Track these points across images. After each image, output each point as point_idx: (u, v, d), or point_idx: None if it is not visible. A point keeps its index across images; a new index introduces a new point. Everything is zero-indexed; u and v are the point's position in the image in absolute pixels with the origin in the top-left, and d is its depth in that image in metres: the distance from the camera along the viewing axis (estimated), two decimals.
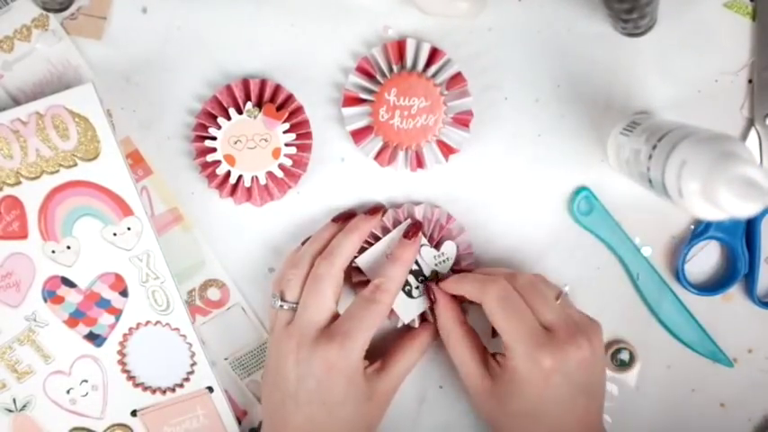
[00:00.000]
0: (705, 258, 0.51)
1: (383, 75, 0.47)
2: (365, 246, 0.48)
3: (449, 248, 0.48)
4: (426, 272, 0.48)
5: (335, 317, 0.45)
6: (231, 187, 0.48)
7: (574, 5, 0.48)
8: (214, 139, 0.47)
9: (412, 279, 0.48)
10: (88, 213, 0.48)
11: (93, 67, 0.49)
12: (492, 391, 0.44)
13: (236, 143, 0.47)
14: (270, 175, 0.48)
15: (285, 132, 0.47)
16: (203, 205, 0.50)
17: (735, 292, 0.51)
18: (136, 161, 0.49)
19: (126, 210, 0.48)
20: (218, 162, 0.48)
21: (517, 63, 0.49)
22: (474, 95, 0.48)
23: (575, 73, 0.49)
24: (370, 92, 0.47)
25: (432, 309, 0.48)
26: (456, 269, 0.49)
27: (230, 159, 0.48)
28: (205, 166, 0.48)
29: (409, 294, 0.48)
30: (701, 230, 0.50)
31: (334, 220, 0.49)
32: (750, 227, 0.49)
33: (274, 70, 0.49)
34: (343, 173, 0.50)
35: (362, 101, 0.48)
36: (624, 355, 0.51)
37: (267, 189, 0.48)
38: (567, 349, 0.42)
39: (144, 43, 0.49)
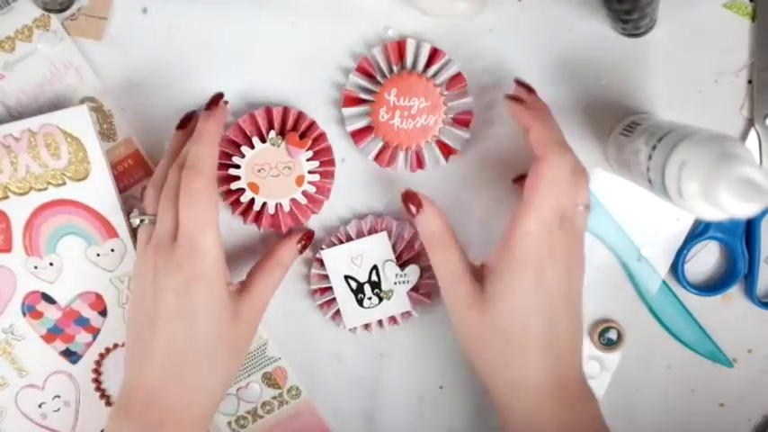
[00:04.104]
0: (705, 258, 0.51)
1: (383, 75, 0.47)
2: (335, 242, 0.49)
3: (412, 271, 0.49)
4: (384, 287, 0.49)
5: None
6: (255, 214, 0.49)
7: (574, 5, 0.48)
8: (238, 167, 0.47)
9: (368, 290, 0.49)
10: (73, 232, 0.48)
11: (94, 68, 0.49)
12: (481, 296, 0.42)
13: (259, 171, 0.47)
14: (293, 201, 0.48)
15: (308, 160, 0.48)
16: None
17: (735, 292, 0.51)
18: (136, 161, 0.49)
19: (111, 231, 0.48)
20: (242, 190, 0.48)
21: (517, 63, 0.49)
22: (474, 95, 0.48)
23: (575, 73, 0.49)
24: (371, 92, 0.47)
25: (410, 219, 0.46)
26: (413, 292, 0.49)
27: (254, 187, 0.48)
28: (229, 193, 0.48)
29: (360, 303, 0.49)
30: (700, 230, 0.50)
31: (178, 127, 0.47)
32: (750, 227, 0.49)
33: (274, 70, 0.49)
34: (344, 173, 0.50)
35: (362, 101, 0.48)
36: (612, 334, 0.51)
37: (291, 215, 0.49)
38: (570, 235, 0.42)
39: (144, 43, 0.49)
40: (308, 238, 0.48)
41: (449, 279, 0.44)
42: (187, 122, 0.47)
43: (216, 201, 0.42)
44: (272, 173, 0.48)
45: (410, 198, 0.45)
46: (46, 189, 0.48)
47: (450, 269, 0.43)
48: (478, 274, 0.44)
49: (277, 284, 0.46)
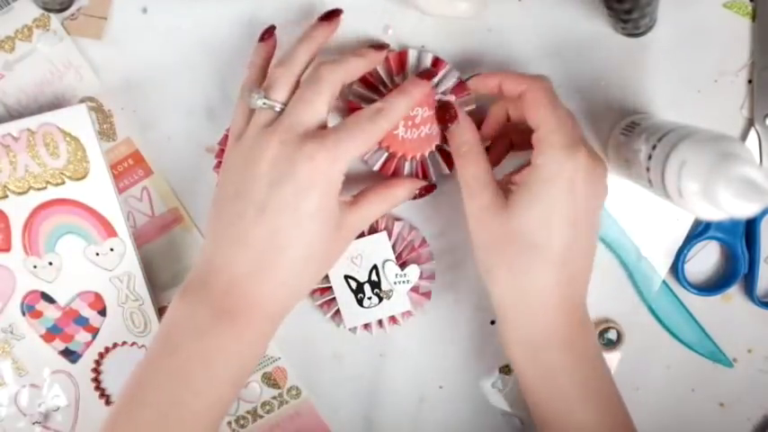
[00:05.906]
0: (705, 258, 0.51)
1: (386, 85, 0.47)
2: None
3: (412, 271, 0.49)
4: (384, 287, 0.49)
5: (323, 128, 0.42)
6: None
7: (574, 5, 0.48)
8: None
9: (368, 289, 0.49)
10: (72, 231, 0.48)
11: (94, 68, 0.49)
12: (505, 206, 0.41)
13: None
14: None
15: None
16: (203, 205, 0.50)
17: (734, 292, 0.51)
18: (136, 161, 0.50)
19: (110, 231, 0.48)
20: None
21: (517, 63, 0.49)
22: (473, 96, 0.48)
23: (575, 73, 0.49)
24: (374, 102, 0.47)
25: (443, 132, 0.46)
26: (413, 292, 0.49)
27: None
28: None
29: (360, 303, 0.49)
30: (700, 230, 0.50)
31: (322, 19, 0.45)
32: (750, 227, 0.49)
33: None
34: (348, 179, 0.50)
35: None
36: (612, 335, 0.51)
37: None
38: (597, 159, 0.41)
39: (144, 43, 0.49)
40: (427, 191, 0.47)
41: (475, 189, 0.43)
42: (268, 36, 0.46)
43: (333, 95, 0.42)
44: None
45: (445, 108, 0.45)
46: (45, 188, 0.48)
47: (478, 180, 0.43)
48: (503, 187, 0.44)
49: (381, 214, 0.46)
